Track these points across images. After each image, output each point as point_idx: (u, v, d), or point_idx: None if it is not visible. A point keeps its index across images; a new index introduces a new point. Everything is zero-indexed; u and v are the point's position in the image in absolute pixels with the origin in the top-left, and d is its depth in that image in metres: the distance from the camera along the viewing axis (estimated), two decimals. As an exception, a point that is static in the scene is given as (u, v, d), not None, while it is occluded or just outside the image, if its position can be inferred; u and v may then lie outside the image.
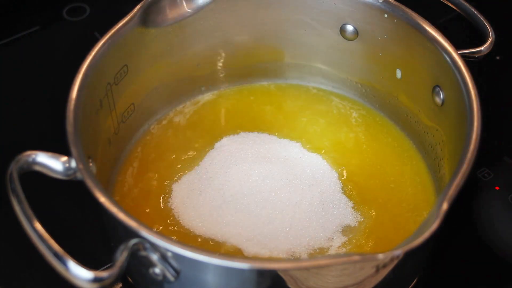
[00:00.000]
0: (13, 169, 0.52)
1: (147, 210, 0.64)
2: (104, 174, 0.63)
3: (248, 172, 0.64)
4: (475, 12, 0.65)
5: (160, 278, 0.51)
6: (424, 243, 0.49)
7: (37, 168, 0.53)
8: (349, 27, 0.69)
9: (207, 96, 0.74)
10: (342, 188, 0.65)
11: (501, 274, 0.63)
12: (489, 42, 0.63)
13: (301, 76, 0.75)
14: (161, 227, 0.62)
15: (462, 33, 0.67)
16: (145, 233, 0.49)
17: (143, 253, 0.50)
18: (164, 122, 0.72)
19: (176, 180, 0.66)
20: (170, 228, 0.62)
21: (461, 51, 0.61)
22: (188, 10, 0.67)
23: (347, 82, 0.73)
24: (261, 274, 0.50)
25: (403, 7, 0.64)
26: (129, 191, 0.65)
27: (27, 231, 0.49)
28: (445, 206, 0.50)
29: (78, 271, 0.47)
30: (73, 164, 0.53)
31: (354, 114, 0.72)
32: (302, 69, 0.74)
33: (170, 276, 0.51)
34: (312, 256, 0.60)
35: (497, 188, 0.69)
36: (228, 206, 0.62)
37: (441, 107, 0.64)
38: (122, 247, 0.49)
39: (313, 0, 0.68)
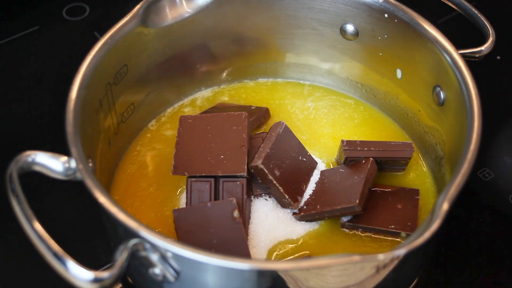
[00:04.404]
0: (13, 169, 0.52)
1: (146, 210, 0.64)
2: (104, 174, 0.63)
3: (248, 172, 0.64)
4: (475, 12, 0.65)
5: (160, 278, 0.51)
6: (424, 243, 0.49)
7: (37, 168, 0.53)
8: (350, 27, 0.69)
9: (207, 95, 0.74)
10: (342, 188, 0.65)
11: (501, 275, 0.63)
12: (489, 42, 0.63)
13: (301, 75, 0.75)
14: (160, 227, 0.62)
15: (462, 33, 0.67)
16: (145, 233, 0.49)
17: (143, 253, 0.50)
18: (163, 121, 0.71)
19: (176, 180, 0.66)
20: (169, 228, 0.62)
21: (461, 51, 0.61)
22: (188, 10, 0.67)
23: (347, 82, 0.73)
24: (262, 274, 0.50)
25: (403, 7, 0.64)
26: (128, 190, 0.65)
27: (27, 231, 0.49)
28: (445, 206, 0.50)
29: (78, 271, 0.47)
30: (73, 164, 0.53)
31: (354, 114, 0.72)
32: (302, 68, 0.74)
33: (170, 276, 0.51)
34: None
35: (497, 188, 0.69)
36: (228, 206, 0.62)
37: (441, 107, 0.64)
38: (122, 247, 0.49)
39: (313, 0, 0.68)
